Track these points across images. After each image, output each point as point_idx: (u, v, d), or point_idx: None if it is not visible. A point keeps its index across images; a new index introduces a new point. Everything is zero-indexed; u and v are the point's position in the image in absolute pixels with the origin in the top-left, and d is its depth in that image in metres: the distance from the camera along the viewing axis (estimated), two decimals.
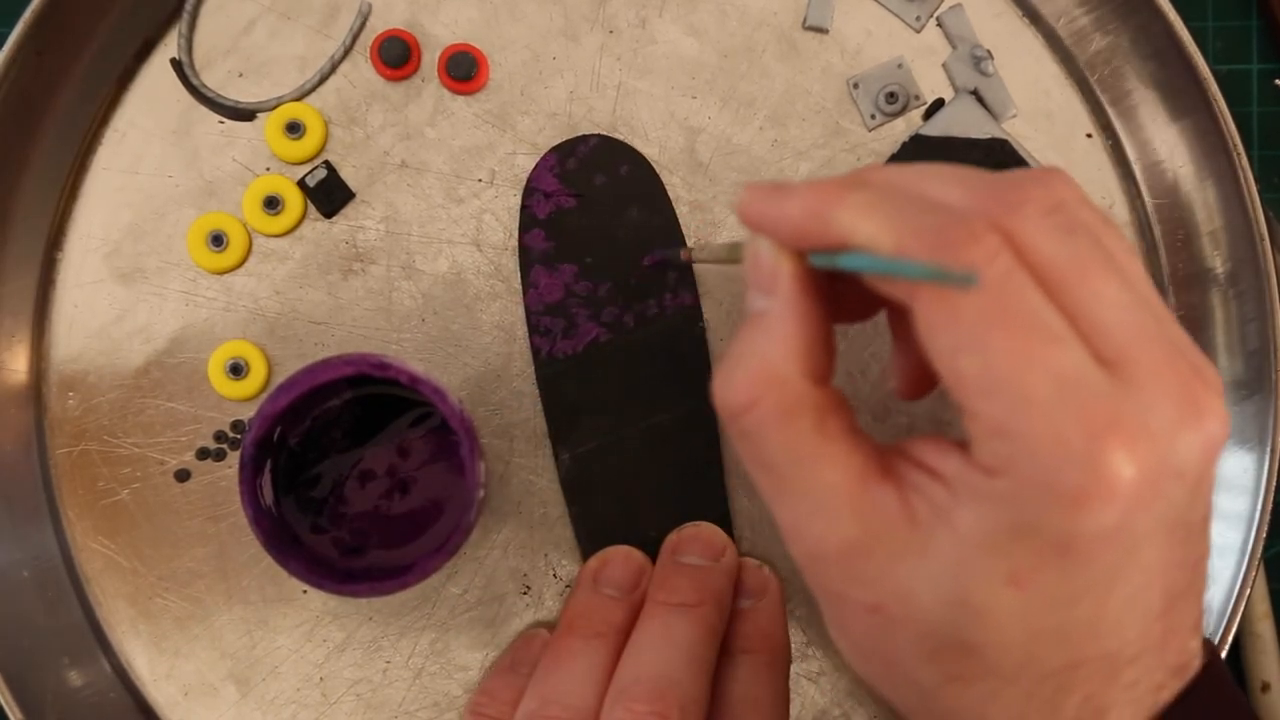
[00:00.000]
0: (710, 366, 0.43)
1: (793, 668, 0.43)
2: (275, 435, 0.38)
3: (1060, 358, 0.26)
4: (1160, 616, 0.28)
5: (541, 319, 0.43)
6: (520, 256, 0.43)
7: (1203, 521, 0.29)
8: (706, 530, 0.41)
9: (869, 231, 0.28)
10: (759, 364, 0.29)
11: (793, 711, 0.43)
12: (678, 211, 0.43)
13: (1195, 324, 0.44)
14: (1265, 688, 0.46)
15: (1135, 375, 0.27)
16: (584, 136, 0.43)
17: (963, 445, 0.28)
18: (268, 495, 0.38)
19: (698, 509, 0.42)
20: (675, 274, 0.43)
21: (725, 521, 0.42)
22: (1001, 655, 0.28)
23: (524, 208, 0.43)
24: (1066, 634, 0.27)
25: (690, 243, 0.43)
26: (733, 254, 0.35)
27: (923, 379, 0.34)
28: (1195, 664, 0.29)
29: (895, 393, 0.35)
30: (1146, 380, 0.27)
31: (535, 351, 0.43)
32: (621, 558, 0.41)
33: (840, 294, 0.32)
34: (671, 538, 0.41)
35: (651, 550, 0.42)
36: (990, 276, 0.26)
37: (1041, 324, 0.26)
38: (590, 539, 0.42)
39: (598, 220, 0.43)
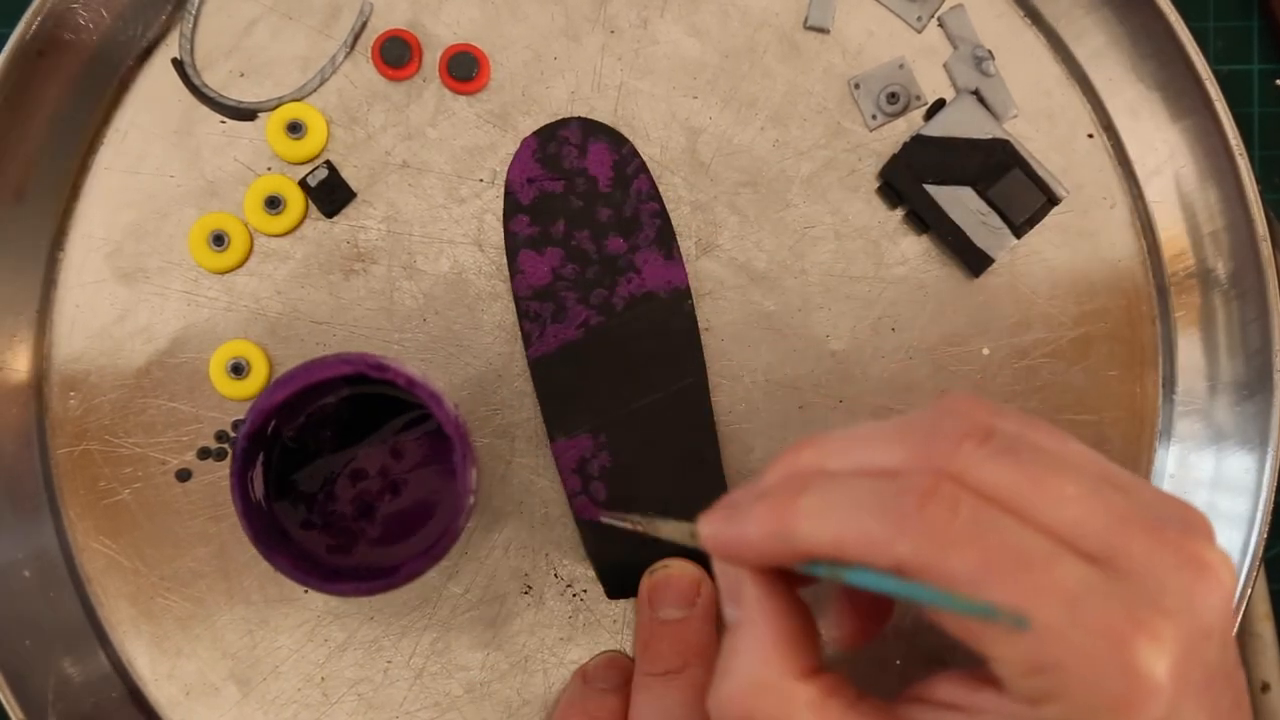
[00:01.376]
0: (700, 345, 0.43)
1: None
2: (269, 430, 0.38)
3: (1058, 577, 0.26)
4: None
5: (530, 304, 0.43)
6: (506, 242, 0.43)
7: (1235, 659, 0.29)
8: (677, 572, 0.41)
9: (830, 536, 0.28)
10: (743, 677, 0.30)
11: None
12: (679, 212, 0.43)
13: (1196, 324, 0.44)
14: (1265, 688, 0.46)
15: (1130, 564, 0.27)
16: (564, 120, 0.43)
17: (991, 679, 0.28)
18: (259, 490, 0.38)
19: (695, 486, 0.42)
20: (664, 254, 0.43)
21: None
22: None
23: (508, 194, 0.43)
24: None
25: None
26: (684, 537, 0.35)
27: (866, 628, 0.34)
28: None
29: (835, 642, 0.35)
30: (1141, 563, 0.27)
31: (525, 337, 0.43)
32: (606, 661, 0.42)
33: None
34: (646, 583, 0.41)
35: (651, 551, 0.42)
36: (961, 523, 0.27)
37: (1027, 552, 0.27)
38: (592, 530, 0.42)
39: (582, 202, 0.43)
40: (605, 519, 0.40)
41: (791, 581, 0.32)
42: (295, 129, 0.43)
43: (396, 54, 0.43)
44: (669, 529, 0.36)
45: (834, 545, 0.28)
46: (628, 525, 0.39)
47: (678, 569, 0.41)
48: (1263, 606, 0.46)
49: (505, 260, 0.43)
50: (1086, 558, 0.27)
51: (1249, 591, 0.42)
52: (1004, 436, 0.29)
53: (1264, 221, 0.42)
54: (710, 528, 0.31)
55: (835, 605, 0.34)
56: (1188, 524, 0.28)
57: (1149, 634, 0.26)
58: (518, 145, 0.43)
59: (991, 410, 0.29)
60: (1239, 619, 0.42)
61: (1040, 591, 0.26)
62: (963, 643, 0.28)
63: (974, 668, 0.29)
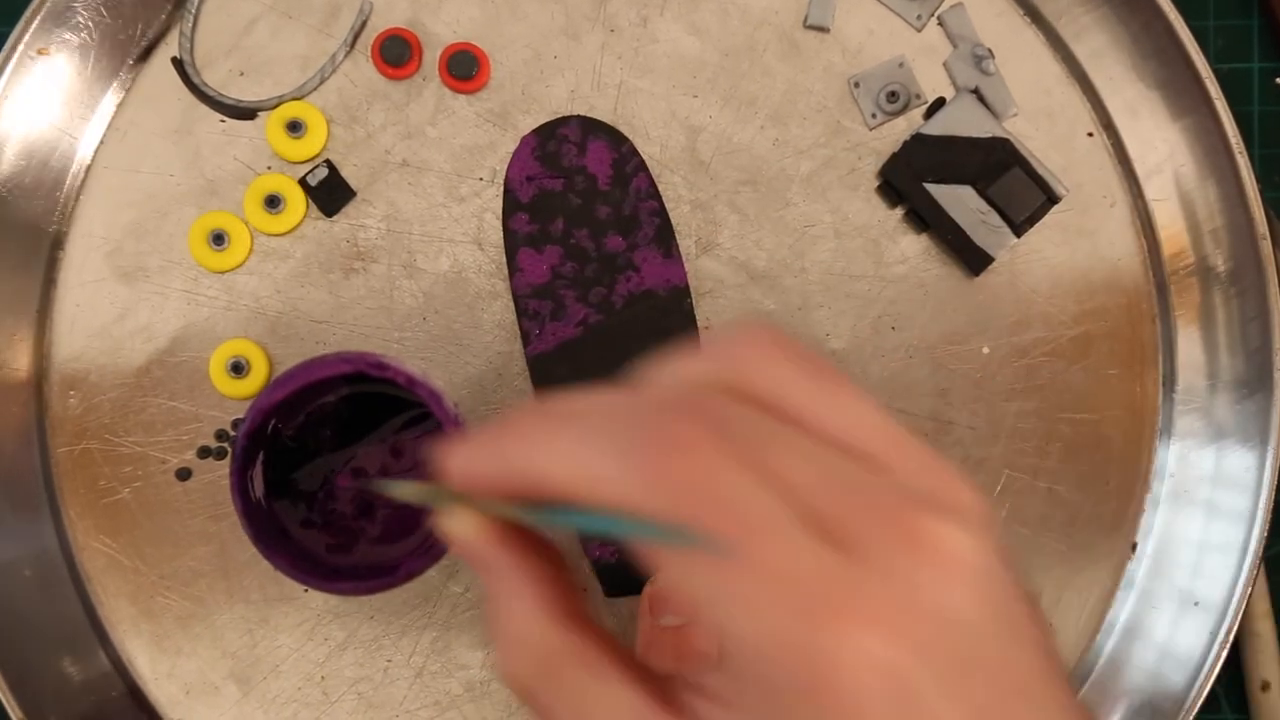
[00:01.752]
0: (699, 342, 0.42)
1: None
2: (269, 429, 0.38)
3: (772, 553, 0.24)
4: None
5: (529, 302, 0.43)
6: (505, 240, 0.43)
7: (1013, 647, 0.26)
8: None
9: (562, 468, 0.26)
10: (501, 637, 0.28)
11: None
12: (679, 210, 0.43)
13: (1196, 323, 0.44)
14: (1265, 687, 0.46)
15: (856, 540, 0.24)
16: (564, 118, 0.43)
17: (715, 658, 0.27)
18: (259, 489, 0.38)
19: None
20: (663, 252, 0.42)
21: None
22: None
23: (507, 192, 0.43)
24: None
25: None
26: (424, 497, 0.33)
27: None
28: None
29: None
30: (868, 542, 0.24)
31: (524, 335, 0.43)
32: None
33: None
34: (648, 591, 0.41)
35: None
36: (684, 474, 0.24)
37: (749, 510, 0.24)
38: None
39: (582, 201, 0.43)
40: (361, 485, 0.40)
41: (531, 541, 0.29)
42: (295, 128, 0.43)
43: (396, 53, 0.43)
44: (409, 492, 0.35)
45: (566, 479, 0.26)
46: (384, 490, 0.38)
47: None
48: (1262, 605, 0.46)
49: (505, 259, 0.43)
50: (809, 526, 0.24)
51: (1249, 590, 0.42)
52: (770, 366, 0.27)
53: (1264, 219, 0.42)
54: (447, 454, 0.28)
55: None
56: (937, 502, 0.26)
57: (857, 619, 0.24)
58: (517, 144, 0.43)
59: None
60: (1239, 616, 0.42)
61: (743, 569, 0.24)
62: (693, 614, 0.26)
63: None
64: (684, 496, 0.24)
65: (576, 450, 0.26)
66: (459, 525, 0.29)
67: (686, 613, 0.25)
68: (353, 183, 0.43)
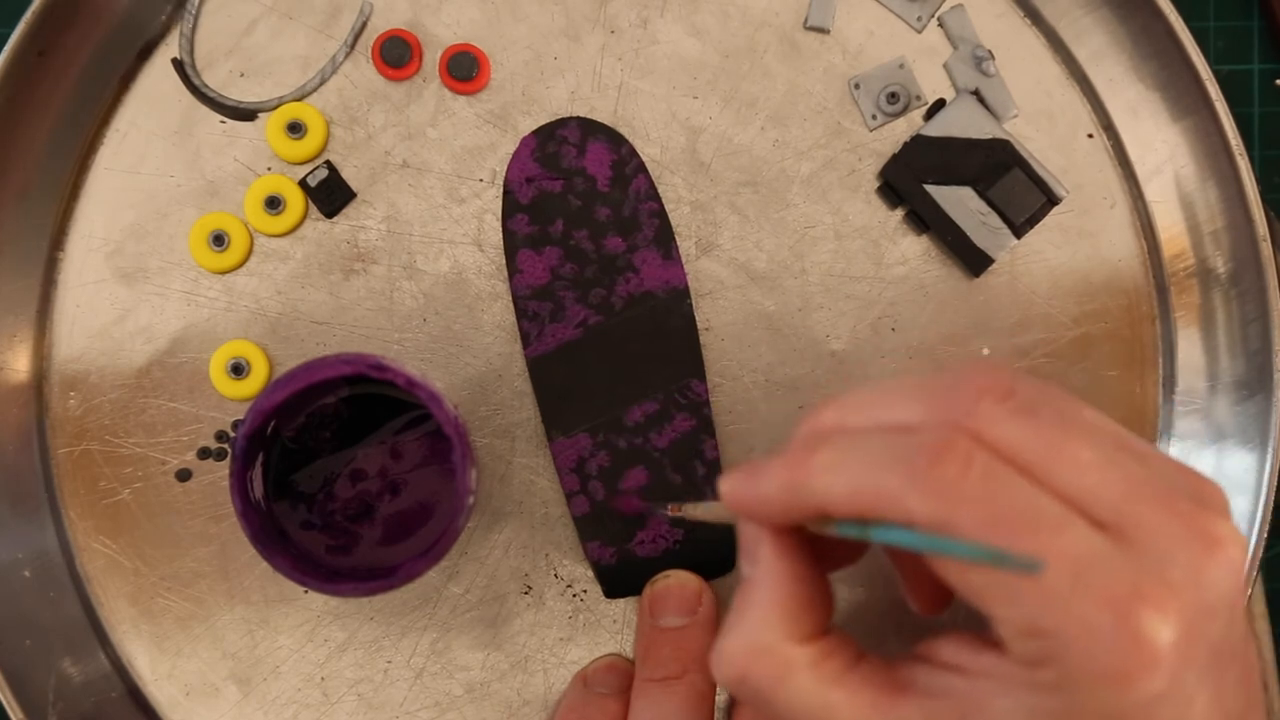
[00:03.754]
0: (699, 345, 0.43)
1: None
2: (268, 430, 0.38)
3: (1067, 543, 0.26)
4: None
5: (529, 303, 0.43)
6: (505, 242, 0.43)
7: (1244, 636, 0.29)
8: (678, 583, 0.41)
9: (844, 490, 0.28)
10: (743, 637, 0.30)
11: None
12: (679, 212, 0.43)
13: (1196, 324, 0.44)
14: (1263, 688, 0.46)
15: (1139, 534, 0.27)
16: (563, 119, 0.43)
17: (993, 641, 0.28)
18: (258, 490, 0.38)
19: (692, 492, 0.42)
20: (662, 254, 0.43)
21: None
22: None
23: (506, 193, 0.43)
24: None
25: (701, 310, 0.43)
26: (720, 515, 0.35)
27: (939, 593, 0.34)
28: None
29: (918, 612, 0.35)
30: (1152, 534, 0.27)
31: (524, 336, 0.43)
32: (606, 665, 0.42)
33: (830, 542, 0.33)
34: (647, 592, 0.42)
35: (646, 548, 0.42)
36: (972, 480, 0.27)
37: (1038, 514, 0.27)
38: (589, 525, 0.42)
39: (581, 202, 0.43)
40: (640, 508, 0.41)
41: (809, 546, 0.32)
42: (295, 129, 0.43)
43: (396, 54, 0.43)
44: (703, 512, 0.36)
45: (848, 499, 0.28)
46: (665, 513, 0.39)
47: (679, 580, 0.41)
48: (1259, 607, 0.46)
49: (505, 260, 0.43)
50: (1096, 524, 0.27)
51: (1248, 591, 0.42)
52: (1024, 398, 0.28)
53: (1264, 221, 0.42)
54: (729, 484, 0.31)
55: (902, 578, 0.34)
56: (1202, 497, 0.28)
57: (1153, 606, 0.26)
58: (518, 145, 0.43)
59: (1012, 373, 0.29)
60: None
61: (1046, 555, 0.26)
62: (967, 601, 0.28)
63: (978, 630, 0.29)
64: (971, 505, 0.26)
65: (856, 470, 0.28)
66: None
67: (977, 606, 0.28)
68: (353, 184, 0.43)
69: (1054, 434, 0.28)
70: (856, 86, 0.44)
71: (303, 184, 0.43)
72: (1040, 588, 0.26)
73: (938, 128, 0.43)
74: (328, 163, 0.43)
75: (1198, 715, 0.27)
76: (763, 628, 0.30)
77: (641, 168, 0.43)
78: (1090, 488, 0.27)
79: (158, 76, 0.44)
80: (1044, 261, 0.44)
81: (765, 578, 0.31)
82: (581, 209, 0.43)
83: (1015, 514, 0.26)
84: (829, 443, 0.29)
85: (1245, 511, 0.42)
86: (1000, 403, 0.28)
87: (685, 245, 0.43)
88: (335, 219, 0.43)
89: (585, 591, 0.43)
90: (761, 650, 0.30)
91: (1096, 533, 0.27)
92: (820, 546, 0.32)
